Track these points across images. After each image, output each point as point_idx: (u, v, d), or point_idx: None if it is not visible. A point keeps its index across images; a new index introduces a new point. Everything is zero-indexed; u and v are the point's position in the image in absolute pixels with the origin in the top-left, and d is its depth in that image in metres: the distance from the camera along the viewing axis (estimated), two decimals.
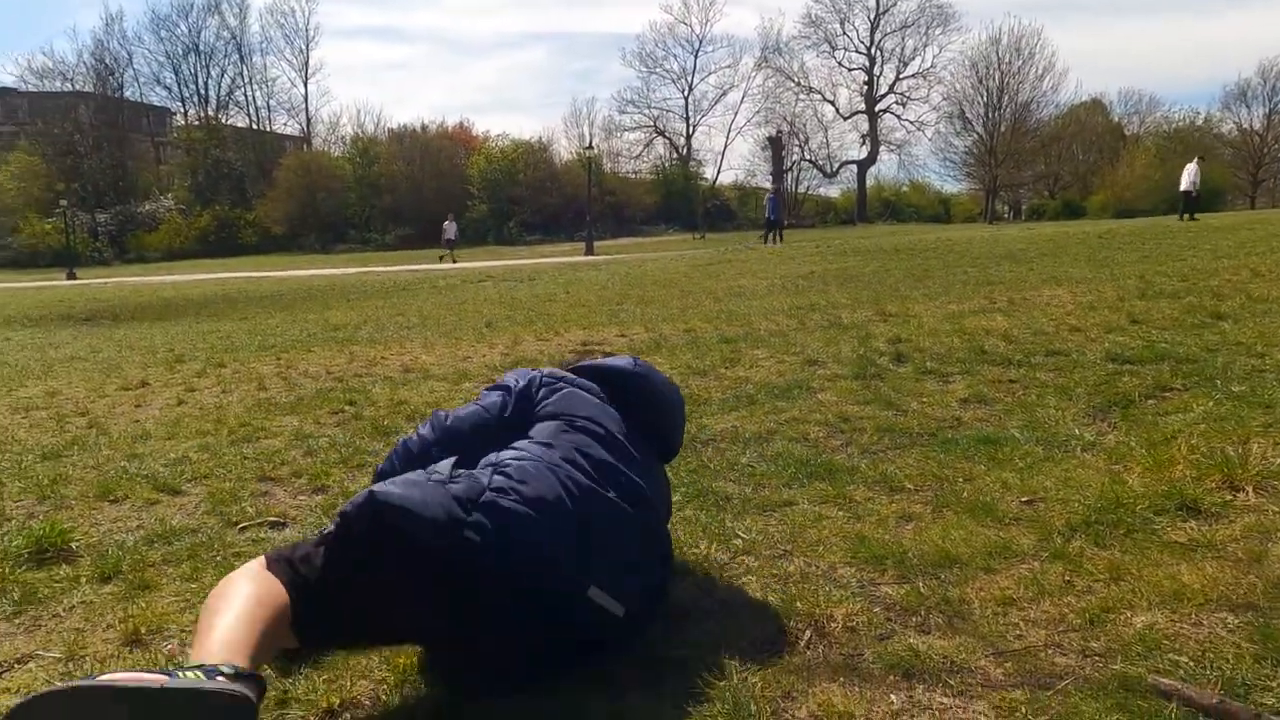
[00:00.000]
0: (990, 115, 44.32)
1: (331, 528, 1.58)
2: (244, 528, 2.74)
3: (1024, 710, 1.35)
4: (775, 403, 3.84)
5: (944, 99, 47.50)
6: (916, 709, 1.39)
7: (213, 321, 11.45)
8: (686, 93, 49.78)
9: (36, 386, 6.10)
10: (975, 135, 45.64)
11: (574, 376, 1.99)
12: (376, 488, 1.52)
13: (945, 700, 1.40)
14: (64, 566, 2.43)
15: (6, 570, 2.35)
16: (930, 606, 1.75)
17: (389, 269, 22.48)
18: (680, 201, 44.93)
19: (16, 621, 2.08)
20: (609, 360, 2.07)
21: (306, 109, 52.85)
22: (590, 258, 22.95)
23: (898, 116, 49.68)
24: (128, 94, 50.34)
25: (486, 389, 2.00)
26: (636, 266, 16.16)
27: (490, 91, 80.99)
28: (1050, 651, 1.53)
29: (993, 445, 2.93)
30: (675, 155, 50.01)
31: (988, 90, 44.20)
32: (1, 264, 38.89)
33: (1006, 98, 43.81)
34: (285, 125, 53.90)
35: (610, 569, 1.56)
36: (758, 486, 2.70)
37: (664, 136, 49.89)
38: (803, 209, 48.77)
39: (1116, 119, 47.95)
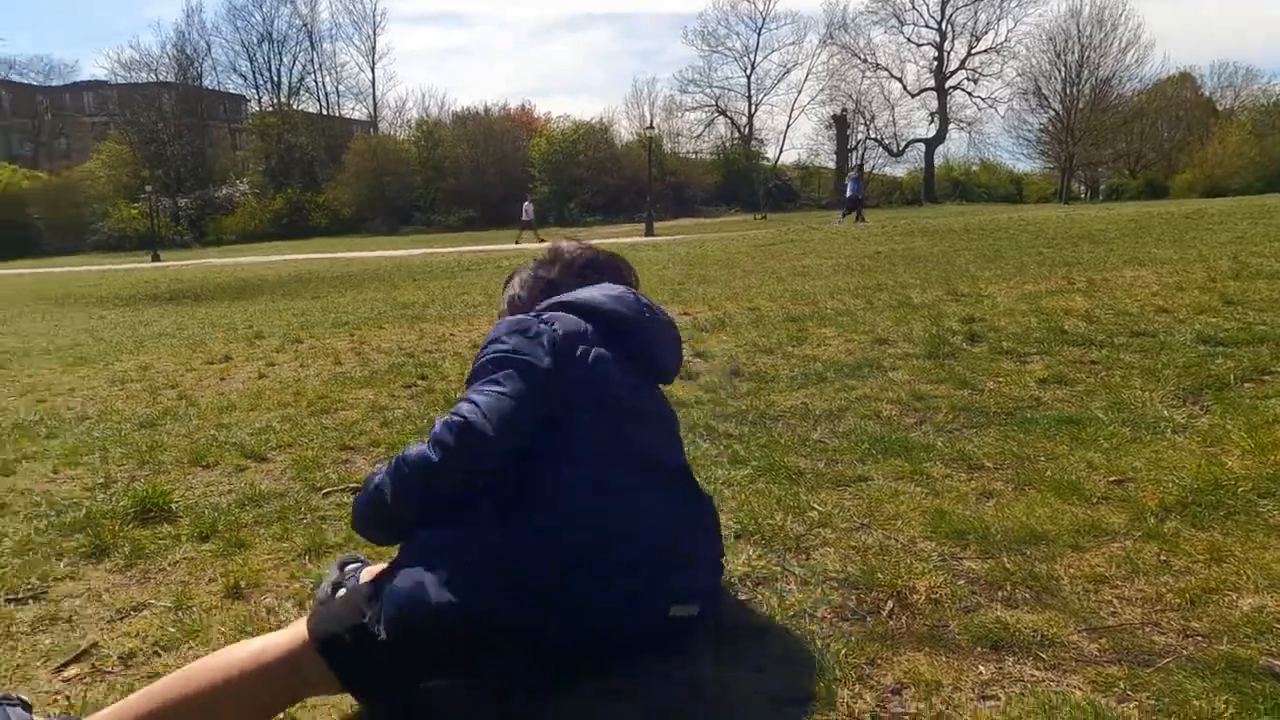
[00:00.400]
0: (1068, 91, 42.50)
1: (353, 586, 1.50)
2: (327, 493, 2.85)
3: (1122, 685, 1.32)
4: (845, 380, 3.79)
5: (1018, 74, 45.78)
6: (1007, 680, 1.37)
7: (288, 300, 11.84)
8: (749, 71, 49.08)
9: (130, 361, 6.43)
10: (1051, 112, 43.86)
11: (571, 320, 1.55)
12: (409, 586, 1.31)
13: (1037, 673, 1.38)
14: (166, 525, 2.56)
15: (117, 527, 2.50)
16: (1016, 581, 1.71)
17: (453, 250, 22.87)
18: (741, 182, 44.44)
19: (129, 573, 2.21)
20: (597, 298, 1.61)
21: (373, 94, 53.99)
22: (650, 238, 22.92)
23: (969, 93, 48.04)
24: (206, 83, 52.21)
25: (490, 361, 1.50)
26: (697, 246, 16.08)
27: (552, 74, 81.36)
28: (1148, 630, 1.49)
29: (1075, 425, 2.84)
30: (736, 135, 49.43)
31: (1066, 65, 42.37)
32: (93, 247, 40.91)
33: (1086, 72, 41.93)
34: (353, 110, 55.19)
35: (679, 570, 1.47)
36: (830, 462, 2.68)
37: (725, 116, 49.34)
38: (867, 189, 47.73)
39: (1207, 93, 45.42)
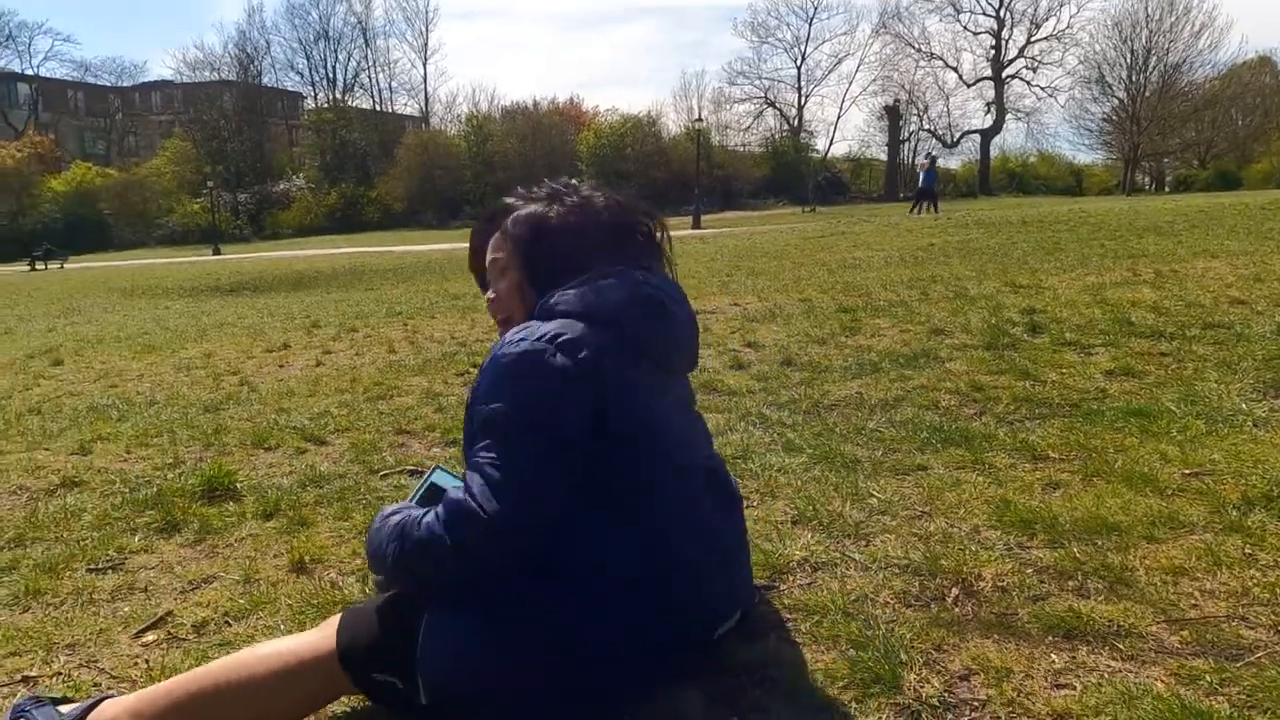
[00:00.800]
0: (1134, 78, 40.96)
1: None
2: (385, 475, 2.90)
3: (1209, 679, 1.27)
4: (901, 371, 3.72)
5: (1081, 62, 44.28)
6: (1082, 669, 1.32)
7: (342, 291, 12.10)
8: (799, 62, 48.48)
9: (194, 349, 6.64)
10: (1115, 100, 42.33)
11: (590, 341, 1.27)
12: (450, 655, 1.22)
13: (1113, 664, 1.33)
14: (231, 504, 2.64)
15: (186, 504, 2.59)
16: (1088, 572, 1.66)
17: None
18: (790, 174, 43.95)
19: (198, 548, 2.29)
20: (617, 304, 1.32)
21: (425, 89, 54.80)
22: (698, 231, 22.83)
23: (1027, 82, 46.67)
24: (265, 80, 53.60)
25: (501, 420, 1.25)
26: (745, 239, 15.95)
27: (600, 67, 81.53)
28: (1235, 623, 1.43)
29: (1145, 418, 2.74)
30: (786, 127, 48.90)
31: (1132, 51, 40.82)
32: (159, 241, 42.40)
33: (1155, 59, 40.33)
34: (405, 105, 56.10)
35: (727, 598, 1.40)
36: (888, 450, 2.63)
37: (774, 108, 48.83)
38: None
39: None
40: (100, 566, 2.16)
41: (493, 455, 1.22)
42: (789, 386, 3.64)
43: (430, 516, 1.23)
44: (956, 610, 1.54)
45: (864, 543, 1.92)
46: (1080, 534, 1.84)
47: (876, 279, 7.47)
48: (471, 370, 4.79)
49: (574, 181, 1.54)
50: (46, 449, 3.59)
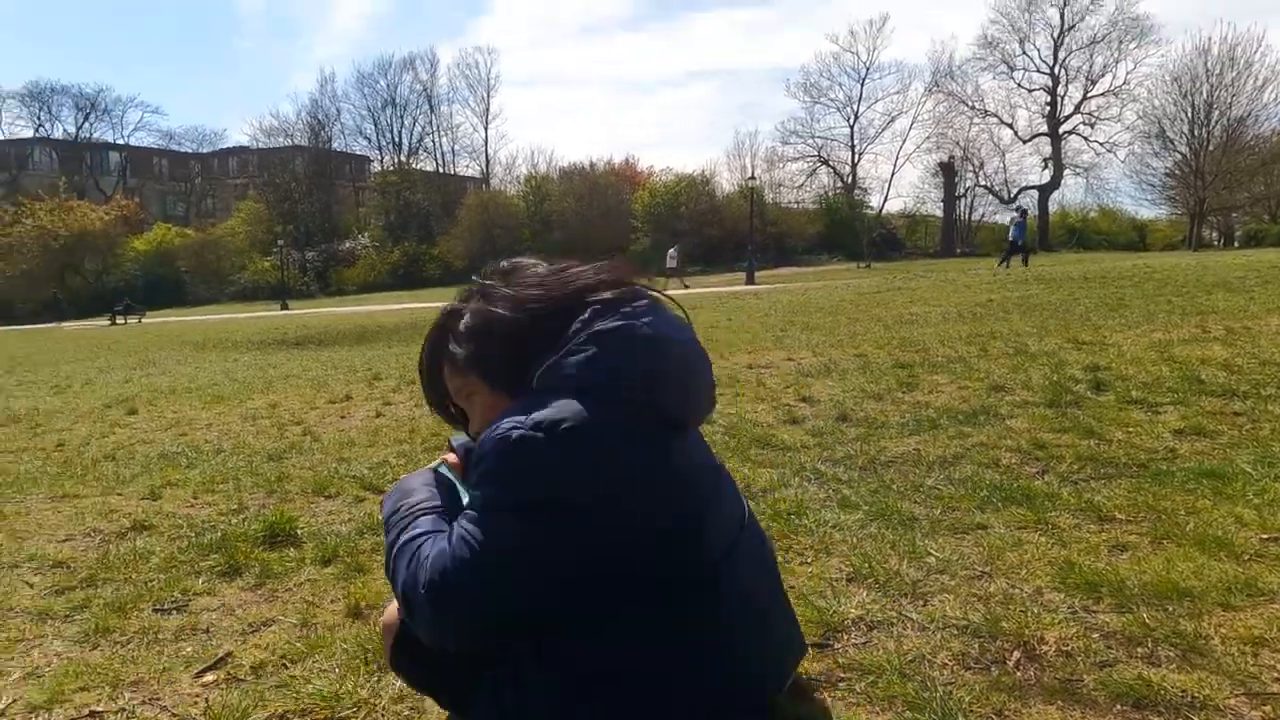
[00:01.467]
0: (1196, 133, 40.10)
1: None
2: None
3: None
4: (960, 428, 3.64)
5: (1140, 117, 43.54)
6: None
7: (403, 345, 12.43)
8: (852, 121, 48.80)
9: (261, 399, 6.88)
10: (1178, 155, 41.46)
11: (589, 427, 1.10)
12: None
13: None
14: (291, 549, 2.71)
15: (248, 549, 2.66)
16: (1159, 638, 1.58)
17: None
18: (844, 230, 43.93)
19: (259, 591, 2.35)
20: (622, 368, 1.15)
21: (486, 152, 56.77)
22: (752, 286, 22.91)
23: (1085, 138, 46.08)
24: (335, 145, 56.28)
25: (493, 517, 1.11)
26: (800, 294, 15.93)
27: (655, 128, 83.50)
28: None
29: (1218, 479, 2.63)
30: (839, 184, 49.07)
31: (1193, 106, 40.06)
32: (231, 297, 44.33)
33: (1217, 113, 39.48)
34: (467, 167, 58.14)
35: (775, 650, 1.29)
36: (947, 509, 2.57)
37: (828, 165, 49.11)
38: (976, 237, 46.23)
39: None
40: (165, 607, 2.23)
41: (473, 528, 1.09)
42: (845, 442, 3.60)
43: (426, 571, 1.10)
44: (1018, 674, 1.49)
45: (921, 602, 1.87)
46: (1150, 599, 1.76)
47: (934, 335, 7.37)
48: None
49: (508, 264, 1.36)
50: (119, 494, 3.74)
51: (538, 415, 1.07)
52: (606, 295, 1.24)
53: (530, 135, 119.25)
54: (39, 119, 57.35)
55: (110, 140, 59.64)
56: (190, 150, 64.10)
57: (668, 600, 1.13)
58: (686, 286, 24.02)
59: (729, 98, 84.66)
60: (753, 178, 35.73)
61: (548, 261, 1.35)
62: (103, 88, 58.22)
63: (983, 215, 48.77)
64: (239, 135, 65.60)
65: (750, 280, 25.95)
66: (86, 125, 58.19)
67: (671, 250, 27.70)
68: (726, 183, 47.56)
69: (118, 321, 30.28)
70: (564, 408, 1.08)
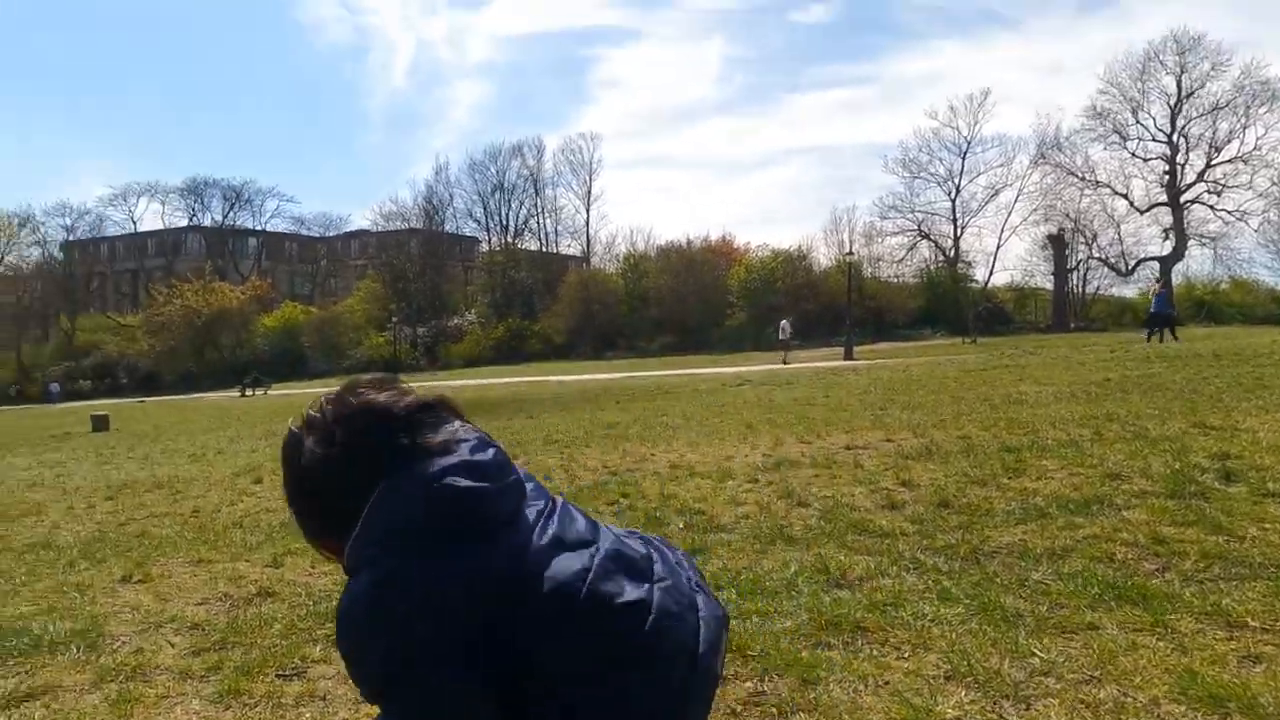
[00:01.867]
0: None
1: None
2: None
3: None
4: (1071, 518, 3.48)
5: (1274, 184, 41.00)
6: None
7: (506, 419, 12.85)
8: (953, 195, 48.00)
9: None
10: None
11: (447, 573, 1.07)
12: None
13: None
14: None
15: None
16: None
17: (654, 374, 23.79)
18: (947, 304, 42.82)
19: None
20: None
21: (587, 232, 58.90)
22: (850, 361, 22.54)
23: (1211, 207, 43.63)
24: (447, 227, 59.68)
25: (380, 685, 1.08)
26: (900, 371, 15.57)
27: (751, 205, 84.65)
28: None
29: None
30: (941, 257, 48.09)
31: None
32: (347, 370, 46.90)
33: None
34: (569, 246, 60.40)
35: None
36: (1054, 606, 2.47)
37: (928, 239, 48.27)
38: (1091, 311, 44.07)
39: None
40: (287, 673, 2.39)
41: None
42: (946, 530, 3.50)
43: None
44: None
45: (1024, 706, 1.80)
46: None
47: (1044, 416, 7.06)
48: (621, 499, 4.93)
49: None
50: (247, 560, 4.02)
51: (361, 579, 1.08)
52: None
53: (629, 215, 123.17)
54: (193, 210, 63.70)
55: (250, 227, 65.48)
56: (318, 234, 69.42)
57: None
58: (786, 362, 23.86)
59: (825, 174, 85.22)
60: (850, 252, 35.59)
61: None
62: (247, 180, 64.19)
63: (1098, 288, 46.53)
64: (361, 220, 70.93)
65: (849, 355, 25.55)
66: (231, 214, 64.20)
67: (784, 322, 27.51)
68: (824, 257, 47.44)
69: (247, 393, 32.54)
70: (378, 568, 1.08)
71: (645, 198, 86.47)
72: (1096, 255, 45.81)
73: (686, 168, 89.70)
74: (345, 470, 1.14)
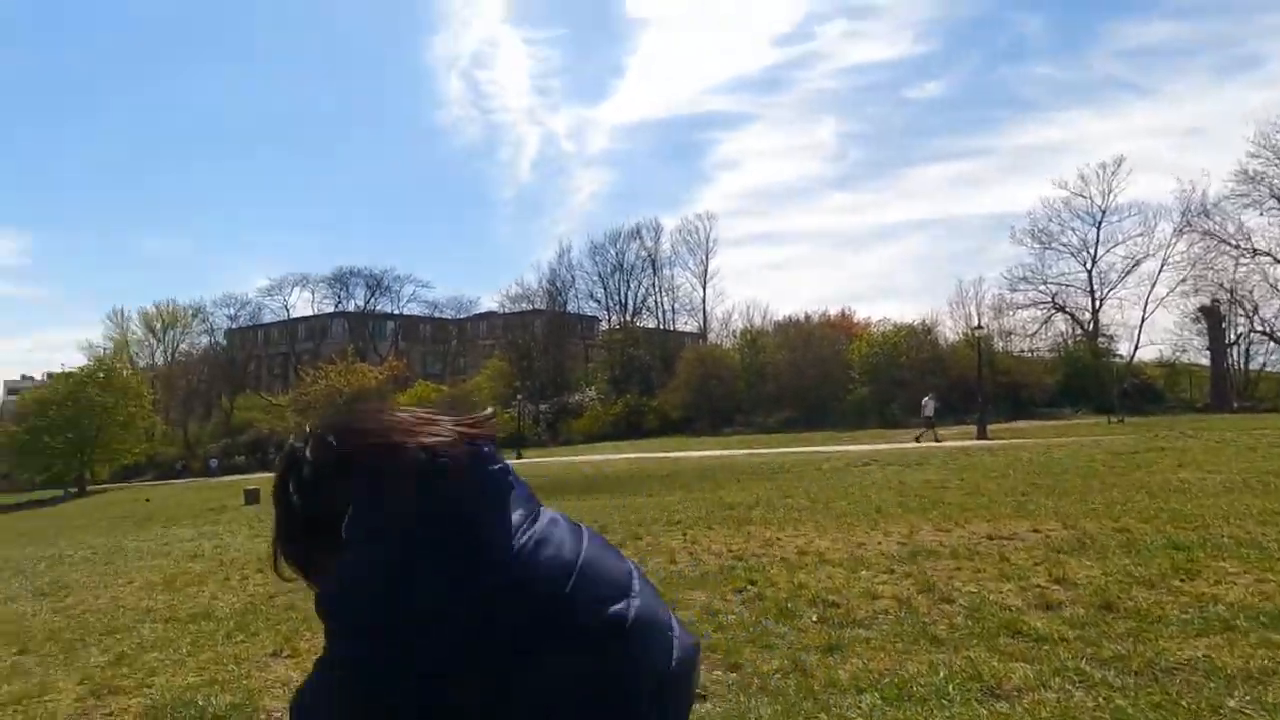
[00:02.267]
0: None
1: None
2: None
3: None
4: (1265, 633, 3.10)
5: None
6: None
7: (626, 496, 12.88)
8: (1089, 265, 45.51)
9: None
10: None
11: None
12: None
13: None
14: None
15: None
16: None
17: (773, 450, 23.33)
18: (1088, 380, 40.01)
19: None
20: None
21: (704, 309, 59.54)
22: (984, 441, 21.32)
23: None
24: (569, 307, 61.89)
25: None
26: (1041, 452, 14.59)
27: (869, 279, 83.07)
28: None
29: None
30: (1079, 331, 45.31)
31: None
32: None
33: None
34: (686, 324, 61.15)
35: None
36: None
37: (1064, 312, 45.70)
38: (1256, 390, 40.08)
39: None
40: None
41: None
42: (1113, 638, 3.19)
43: None
44: None
45: None
46: None
47: (1214, 508, 6.41)
48: (749, 586, 4.80)
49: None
50: None
51: None
52: None
53: (745, 291, 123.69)
54: (339, 297, 69.15)
55: (389, 311, 70.25)
56: (449, 316, 73.51)
57: None
58: (939, 439, 22.77)
59: (946, 247, 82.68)
60: (980, 325, 34.14)
61: None
62: (387, 269, 69.24)
63: (1264, 364, 42.36)
64: (489, 302, 74.39)
65: (982, 434, 24.21)
66: (372, 300, 69.21)
67: (927, 399, 25.99)
68: (949, 330, 45.72)
69: None
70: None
71: (761, 274, 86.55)
72: (1259, 329, 41.91)
73: (802, 243, 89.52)
74: None
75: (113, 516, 19.18)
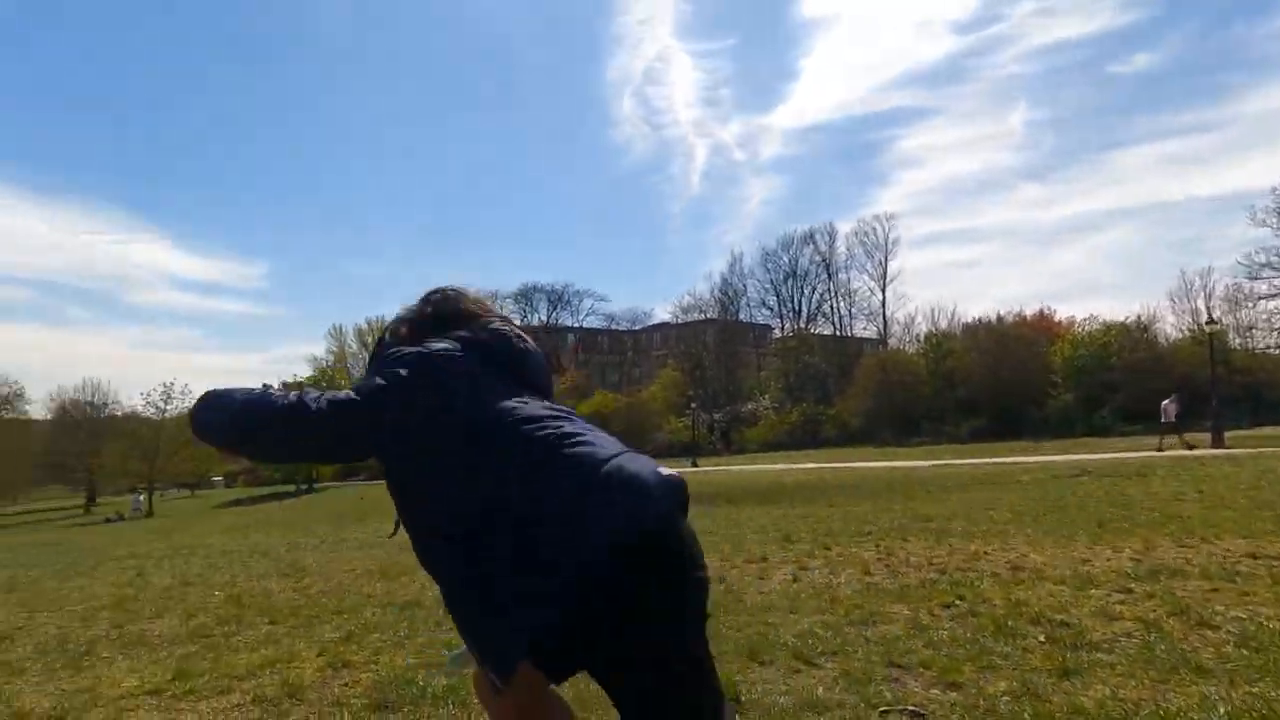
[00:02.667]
0: None
1: None
2: (885, 712, 2.74)
3: None
4: None
5: None
6: None
7: (806, 506, 12.48)
8: None
9: None
10: None
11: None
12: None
13: None
14: (739, 717, 2.73)
15: None
16: None
17: (965, 461, 21.78)
18: None
19: None
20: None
21: (883, 313, 57.10)
22: (1223, 450, 18.70)
23: None
24: (741, 316, 61.58)
25: None
26: None
27: (1069, 275, 75.80)
28: None
29: None
30: None
31: None
32: (650, 453, 49.56)
33: None
34: (864, 329, 58.94)
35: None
36: None
37: None
38: None
39: None
40: None
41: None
42: None
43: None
44: None
45: None
46: None
47: None
48: (958, 602, 4.42)
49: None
50: None
51: None
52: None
53: (929, 294, 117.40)
54: (524, 312, 73.16)
55: (569, 325, 73.35)
56: (625, 328, 75.57)
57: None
58: (1190, 446, 20.29)
59: (1160, 235, 73.64)
60: (1213, 319, 30.12)
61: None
62: (567, 284, 72.51)
63: None
64: (663, 313, 75.81)
65: (1218, 442, 21.29)
66: (554, 314, 72.52)
67: (1167, 403, 22.77)
68: (1171, 328, 40.88)
69: None
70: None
71: (946, 274, 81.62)
72: None
73: (991, 240, 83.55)
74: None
75: (335, 511, 21.29)
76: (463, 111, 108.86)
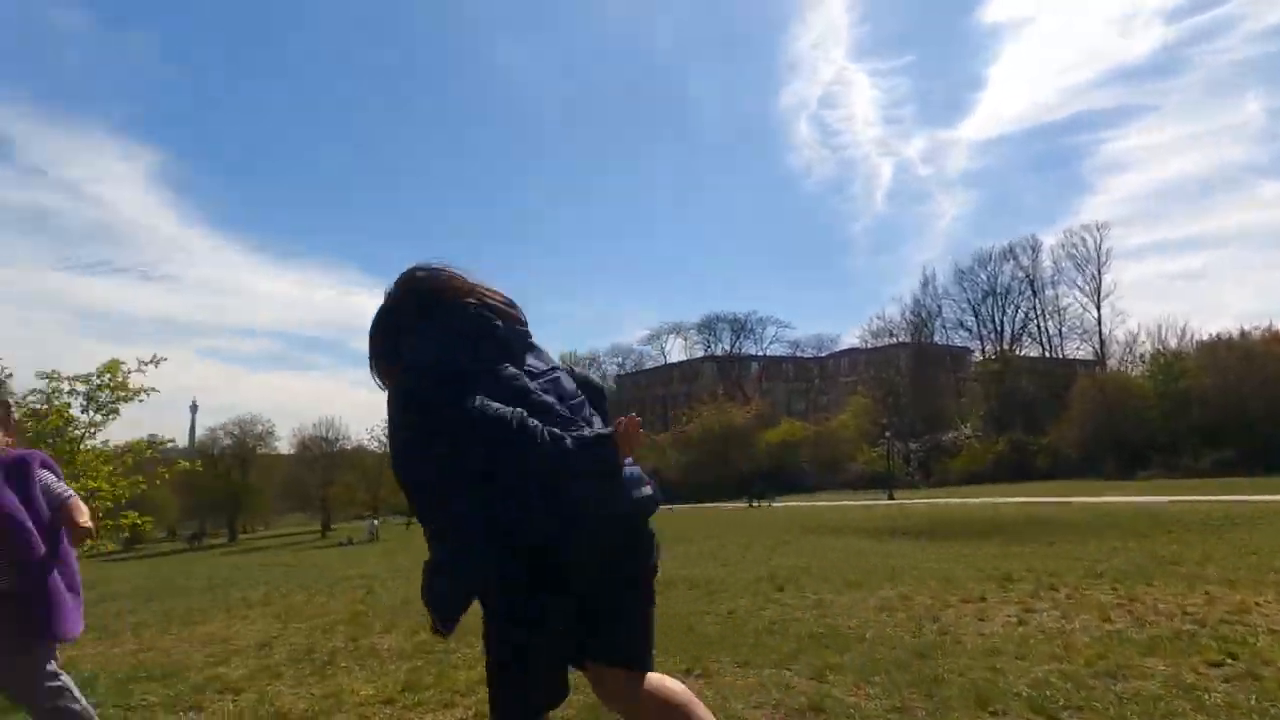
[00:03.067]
0: None
1: None
2: None
3: None
4: None
5: None
6: None
7: (1021, 544, 11.41)
8: None
9: (890, 590, 6.95)
10: None
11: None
12: None
13: None
14: None
15: None
16: None
17: (1208, 498, 18.97)
18: None
19: None
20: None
21: (1099, 332, 51.74)
22: None
23: None
24: (936, 339, 58.21)
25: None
26: None
27: None
28: None
29: None
30: None
31: None
32: (840, 485, 47.84)
33: None
34: (1077, 349, 53.66)
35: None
36: None
37: None
38: None
39: None
40: None
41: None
42: None
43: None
44: None
45: None
46: None
47: None
48: (1228, 661, 3.82)
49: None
50: (789, 669, 4.06)
51: None
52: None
53: (1154, 309, 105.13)
54: (708, 342, 73.89)
55: (753, 353, 73.03)
56: (810, 355, 73.96)
57: None
58: None
59: None
60: None
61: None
62: (750, 312, 72.41)
63: None
64: (850, 339, 73.60)
65: None
66: (738, 343, 72.52)
67: None
68: None
69: (753, 505, 35.16)
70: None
71: (1173, 287, 72.71)
72: None
73: (1227, 246, 73.51)
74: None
75: None
76: (640, 144, 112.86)
